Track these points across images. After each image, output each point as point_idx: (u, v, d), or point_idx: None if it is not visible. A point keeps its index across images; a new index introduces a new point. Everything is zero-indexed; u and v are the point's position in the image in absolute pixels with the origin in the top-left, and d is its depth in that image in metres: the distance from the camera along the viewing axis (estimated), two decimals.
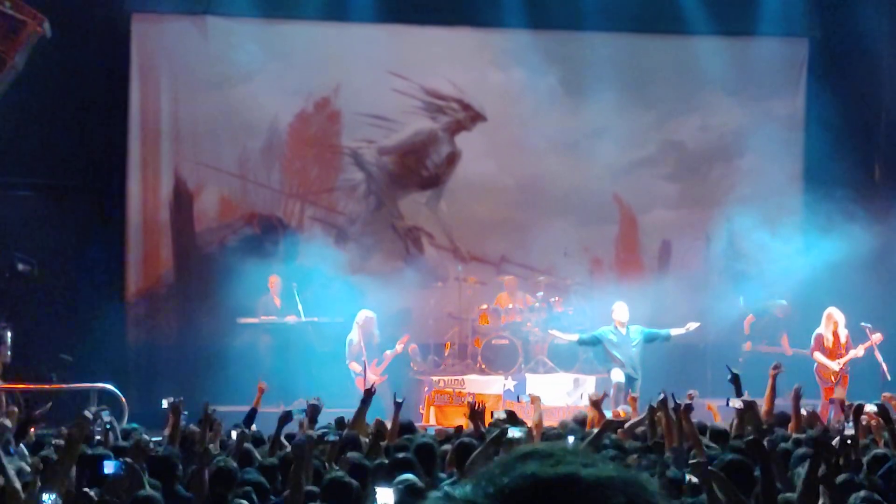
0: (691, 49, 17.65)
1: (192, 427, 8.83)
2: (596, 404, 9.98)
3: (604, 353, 14.46)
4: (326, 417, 10.28)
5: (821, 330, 14.45)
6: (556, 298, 15.96)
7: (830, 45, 17.60)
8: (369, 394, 9.29)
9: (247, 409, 10.17)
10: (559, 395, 15.04)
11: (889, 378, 13.82)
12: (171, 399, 9.39)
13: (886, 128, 17.11)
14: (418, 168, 17.72)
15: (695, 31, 17.29)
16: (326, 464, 7.56)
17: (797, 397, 10.10)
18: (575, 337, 14.65)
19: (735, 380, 9.53)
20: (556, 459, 1.46)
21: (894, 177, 16.91)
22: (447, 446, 8.33)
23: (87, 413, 7.57)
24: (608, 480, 1.43)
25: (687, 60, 17.73)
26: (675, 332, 14.50)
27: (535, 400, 10.30)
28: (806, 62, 17.93)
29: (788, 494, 6.16)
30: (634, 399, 10.51)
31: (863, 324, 14.32)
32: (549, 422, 10.97)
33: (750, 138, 17.96)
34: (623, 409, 11.09)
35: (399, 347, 14.86)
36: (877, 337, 14.13)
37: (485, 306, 15.94)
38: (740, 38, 17.92)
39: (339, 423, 8.80)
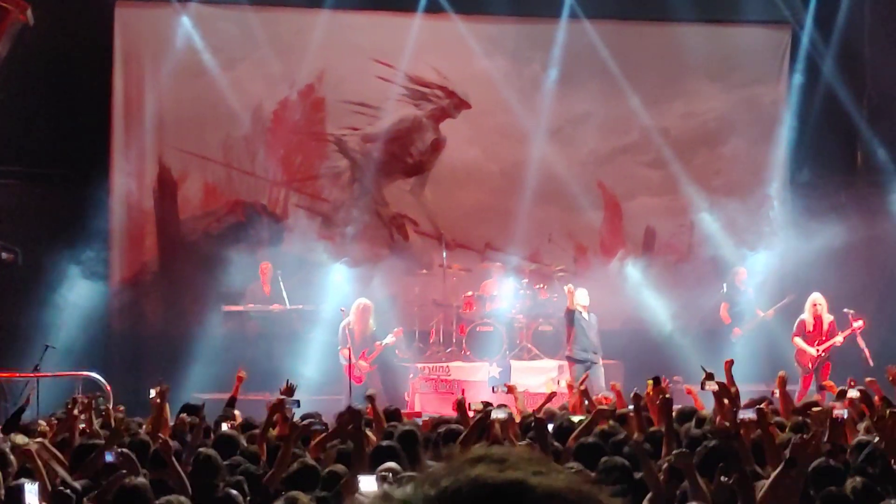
0: (674, 36, 17.68)
1: (185, 417, 8.82)
2: (585, 393, 10.04)
3: (576, 334, 14.36)
4: (313, 405, 10.31)
5: (803, 315, 14.53)
6: (541, 286, 15.99)
7: (813, 32, 17.65)
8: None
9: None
10: (544, 381, 15.06)
11: (872, 364, 13.90)
12: (159, 387, 9.36)
13: (868, 115, 17.18)
14: (403, 155, 17.71)
15: (678, 18, 17.31)
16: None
17: (783, 383, 10.09)
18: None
19: (710, 378, 9.53)
20: (506, 465, 1.37)
21: (876, 163, 16.99)
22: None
23: (76, 397, 7.56)
24: (559, 492, 1.35)
25: (670, 47, 17.76)
26: None
27: (512, 389, 10.36)
28: (789, 49, 17.99)
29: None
30: (615, 387, 10.57)
31: (845, 310, 14.40)
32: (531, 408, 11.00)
33: (733, 125, 18.03)
34: (605, 396, 11.17)
35: (391, 340, 14.77)
36: (858, 324, 14.19)
37: (470, 293, 15.96)
38: (723, 25, 17.98)
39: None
